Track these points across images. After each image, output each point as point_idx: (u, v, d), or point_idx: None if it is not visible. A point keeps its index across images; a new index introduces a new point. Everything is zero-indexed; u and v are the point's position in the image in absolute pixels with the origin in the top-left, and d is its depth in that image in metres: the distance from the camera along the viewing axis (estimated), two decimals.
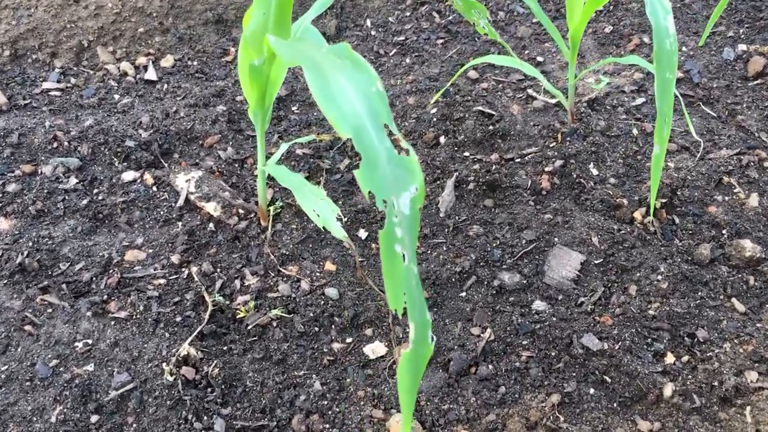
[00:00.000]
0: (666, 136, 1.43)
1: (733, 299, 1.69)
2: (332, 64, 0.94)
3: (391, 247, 0.86)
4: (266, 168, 1.67)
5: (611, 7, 2.60)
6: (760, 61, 2.31)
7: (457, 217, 1.89)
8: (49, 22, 2.38)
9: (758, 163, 1.97)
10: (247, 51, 1.38)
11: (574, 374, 1.56)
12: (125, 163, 2.06)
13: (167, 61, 2.42)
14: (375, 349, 1.65)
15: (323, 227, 1.48)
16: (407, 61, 2.47)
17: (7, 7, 2.36)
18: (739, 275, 1.73)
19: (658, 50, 1.41)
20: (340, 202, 1.96)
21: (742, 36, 2.45)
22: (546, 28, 1.92)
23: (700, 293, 1.70)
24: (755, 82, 2.27)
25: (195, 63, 2.44)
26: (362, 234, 1.87)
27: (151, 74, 2.37)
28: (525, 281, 1.74)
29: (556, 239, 1.82)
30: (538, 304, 1.71)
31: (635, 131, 2.11)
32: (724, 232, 1.82)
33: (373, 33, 2.58)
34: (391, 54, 2.50)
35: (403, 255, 0.88)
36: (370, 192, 0.88)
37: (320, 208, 1.46)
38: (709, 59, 2.36)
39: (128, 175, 2.01)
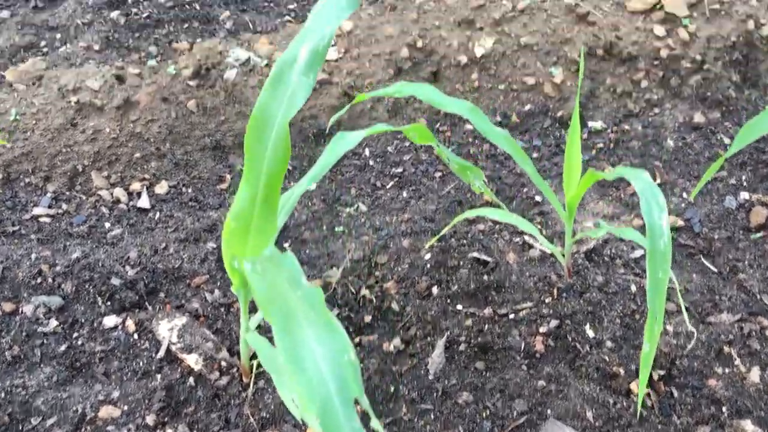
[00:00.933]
0: (657, 335, 1.37)
1: None
2: (304, 319, 0.89)
3: None
4: (248, 337, 1.61)
5: (612, 146, 2.58)
6: (762, 212, 2.27)
7: (446, 381, 1.82)
8: (44, 145, 2.37)
9: (760, 332, 1.91)
10: (229, 243, 1.35)
11: None
12: (109, 303, 2.00)
13: (161, 188, 2.40)
14: None
15: (301, 419, 1.41)
16: (404, 194, 2.44)
17: (3, 130, 2.36)
18: None
19: (652, 250, 1.36)
20: None
21: (745, 183, 2.41)
22: (543, 189, 1.88)
23: None
24: (757, 235, 2.23)
25: (190, 190, 2.41)
26: None
27: (144, 201, 2.35)
28: None
29: (549, 411, 1.74)
30: None
31: (633, 287, 2.05)
32: (724, 409, 1.74)
33: (371, 163, 2.56)
34: (388, 186, 2.48)
35: None
36: None
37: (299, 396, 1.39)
38: (710, 207, 2.32)
39: (110, 320, 1.95)
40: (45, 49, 3.07)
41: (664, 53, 2.74)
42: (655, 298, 1.36)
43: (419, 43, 2.72)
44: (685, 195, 2.39)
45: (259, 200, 1.39)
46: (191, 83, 2.51)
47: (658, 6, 2.80)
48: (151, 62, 2.65)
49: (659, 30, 2.76)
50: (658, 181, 2.45)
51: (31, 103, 2.42)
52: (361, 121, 2.63)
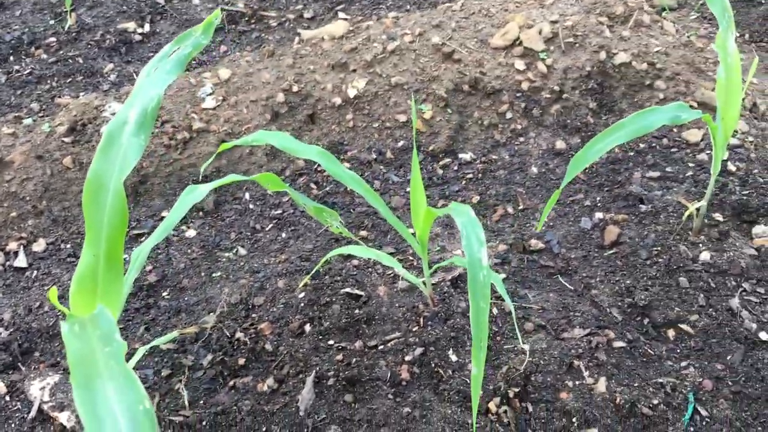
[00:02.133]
0: (482, 359, 1.49)
1: None
2: (107, 373, 0.96)
3: None
4: None
5: (480, 176, 2.74)
6: (614, 231, 2.45)
7: (316, 416, 1.90)
8: None
9: (606, 344, 2.06)
10: (75, 312, 1.40)
11: None
12: None
13: (39, 245, 2.41)
14: None
15: None
16: (283, 235, 2.53)
17: None
18: None
19: (472, 281, 1.49)
20: (201, 402, 1.95)
21: (599, 203, 2.60)
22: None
23: None
24: (610, 252, 2.40)
25: (68, 246, 2.43)
26: None
27: (21, 261, 2.36)
28: None
29: None
30: None
31: (495, 310, 2.19)
32: (574, 420, 1.88)
33: (251, 206, 2.65)
34: (267, 229, 2.56)
35: None
36: None
37: None
38: (567, 229, 2.50)
39: None
40: None
41: (525, 85, 2.93)
42: (477, 326, 1.48)
43: (295, 88, 2.83)
44: (546, 219, 2.55)
45: (102, 262, 1.45)
46: (66, 140, 2.54)
47: (517, 42, 2.99)
48: (27, 120, 2.67)
49: (520, 64, 2.95)
50: (521, 206, 2.61)
51: None
52: (240, 165, 2.71)
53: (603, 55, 3.01)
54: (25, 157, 2.47)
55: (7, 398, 1.93)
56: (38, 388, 1.92)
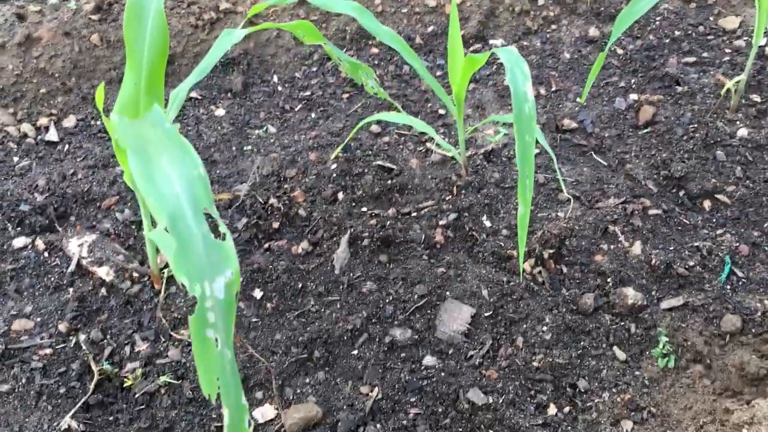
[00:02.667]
0: (529, 197, 1.48)
1: (615, 348, 1.73)
2: (160, 146, 0.95)
3: (203, 332, 0.87)
4: (150, 235, 1.67)
5: None
6: (649, 110, 2.41)
7: (351, 274, 1.91)
8: None
9: (642, 211, 2.04)
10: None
11: (460, 429, 1.58)
12: (18, 228, 2.03)
13: (69, 121, 2.41)
14: (264, 412, 1.64)
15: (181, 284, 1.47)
16: (312, 116, 2.50)
17: None
18: (622, 323, 1.78)
19: (518, 115, 1.46)
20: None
21: (634, 86, 2.55)
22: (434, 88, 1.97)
23: (582, 343, 1.74)
24: (645, 131, 2.37)
25: (98, 122, 2.43)
26: (257, 294, 1.87)
27: (52, 135, 2.36)
28: (417, 337, 1.76)
29: (448, 293, 1.85)
30: (429, 360, 1.72)
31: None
32: (608, 280, 1.88)
33: (279, 89, 2.62)
34: (296, 109, 2.54)
35: (216, 339, 0.89)
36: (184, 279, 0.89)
37: None
38: (601, 109, 2.45)
39: (19, 242, 1.97)
40: None
41: None
42: (524, 161, 1.46)
43: None
44: (578, 100, 2.51)
45: (143, 88, 1.44)
46: (93, 17, 2.51)
47: None
48: (52, 0, 2.63)
49: None
50: (554, 88, 2.57)
51: None
52: (268, 49, 2.67)
53: None
54: (53, 33, 2.45)
55: (46, 254, 1.95)
56: (76, 245, 1.94)
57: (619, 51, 2.76)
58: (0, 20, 2.46)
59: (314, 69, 2.69)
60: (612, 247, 1.97)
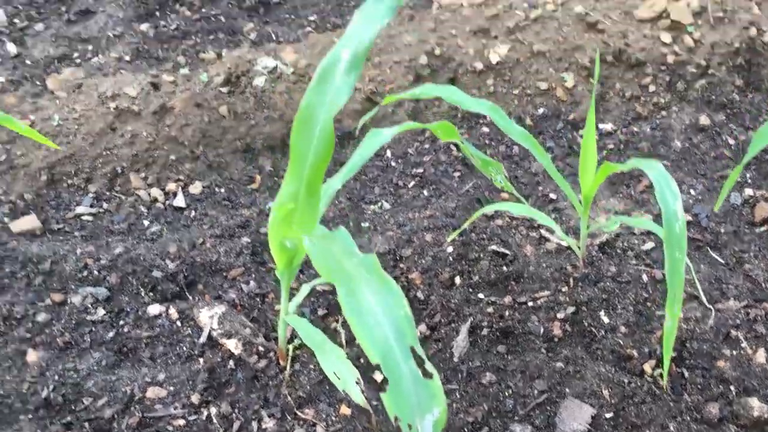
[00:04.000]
0: (677, 312, 1.50)
1: None
2: (362, 281, 1.02)
3: None
4: (288, 319, 1.74)
5: (621, 147, 2.71)
6: (766, 207, 2.39)
7: (470, 363, 1.94)
8: (86, 149, 2.51)
9: (765, 317, 2.02)
10: (277, 228, 1.48)
11: None
12: (152, 294, 2.14)
13: (196, 188, 2.54)
14: None
15: (343, 390, 1.53)
16: (425, 193, 2.57)
17: (47, 134, 2.50)
18: None
19: (668, 233, 1.49)
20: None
21: (749, 181, 2.54)
22: (560, 183, 2.01)
23: None
24: (762, 229, 2.35)
25: (222, 190, 2.55)
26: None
27: (179, 201, 2.48)
28: None
29: (567, 390, 1.86)
30: None
31: (645, 277, 2.17)
32: (732, 388, 1.85)
33: (393, 164, 2.70)
34: (410, 186, 2.61)
35: None
36: (395, 416, 0.94)
37: (341, 370, 1.52)
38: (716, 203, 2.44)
39: (154, 309, 2.08)
40: (78, 60, 3.22)
41: (670, 59, 2.87)
42: (673, 277, 1.49)
43: (437, 51, 2.86)
44: (692, 192, 2.51)
45: (303, 188, 1.52)
46: (222, 90, 2.65)
47: (664, 14, 2.93)
48: (184, 71, 2.79)
49: (666, 37, 2.90)
50: None
51: (72, 109, 2.56)
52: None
53: (753, 31, 2.92)
54: (185, 104, 2.60)
55: (178, 323, 2.05)
56: (207, 316, 2.03)
57: (731, 141, 2.75)
58: (137, 89, 2.62)
59: (426, 146, 2.76)
60: (735, 353, 1.94)
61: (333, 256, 1.11)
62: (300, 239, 1.35)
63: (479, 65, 2.85)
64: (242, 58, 2.76)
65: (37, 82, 2.92)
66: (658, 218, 2.43)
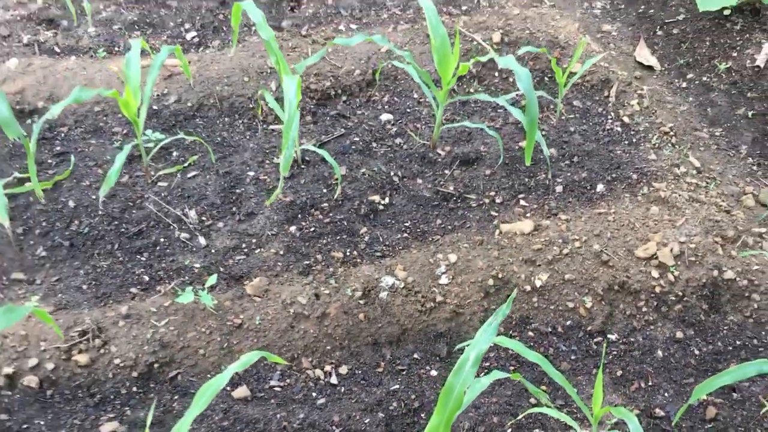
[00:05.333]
0: None
1: None
2: None
3: None
4: None
5: (622, 353, 4.06)
6: (713, 410, 3.72)
7: None
8: (276, 341, 3.92)
9: None
10: None
11: None
12: None
13: (343, 370, 3.92)
14: None
15: None
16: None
17: (252, 330, 3.91)
18: None
19: None
20: None
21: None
22: None
23: None
24: (709, 425, 3.68)
25: (359, 372, 3.93)
26: None
27: (333, 379, 3.87)
28: None
29: None
30: None
31: None
32: None
33: None
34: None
35: None
36: None
37: None
38: (681, 404, 3.79)
39: None
40: (245, 251, 4.66)
41: (657, 289, 4.25)
42: None
43: (499, 275, 4.26)
44: (666, 394, 3.85)
45: (442, 426, 2.88)
46: (361, 302, 4.06)
47: (654, 257, 4.33)
48: (333, 282, 4.22)
49: (655, 273, 4.28)
50: (650, 383, 3.93)
51: (266, 312, 3.98)
52: (464, 327, 4.15)
53: (716, 272, 4.30)
54: (337, 311, 4.00)
55: None
56: None
57: (696, 351, 4.11)
58: (305, 298, 4.04)
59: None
60: None
61: None
62: None
63: (528, 287, 4.24)
64: (371, 276, 4.18)
65: (235, 285, 4.35)
66: (642, 412, 3.75)
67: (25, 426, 3.52)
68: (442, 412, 2.88)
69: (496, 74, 6.02)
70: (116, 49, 6.29)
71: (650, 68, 6.60)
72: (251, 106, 5.68)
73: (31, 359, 3.69)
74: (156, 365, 3.80)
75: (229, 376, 2.83)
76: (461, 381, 2.85)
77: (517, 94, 5.70)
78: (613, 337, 4.18)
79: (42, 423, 3.54)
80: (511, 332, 4.20)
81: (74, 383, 3.69)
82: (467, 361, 2.87)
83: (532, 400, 3.79)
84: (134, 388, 3.73)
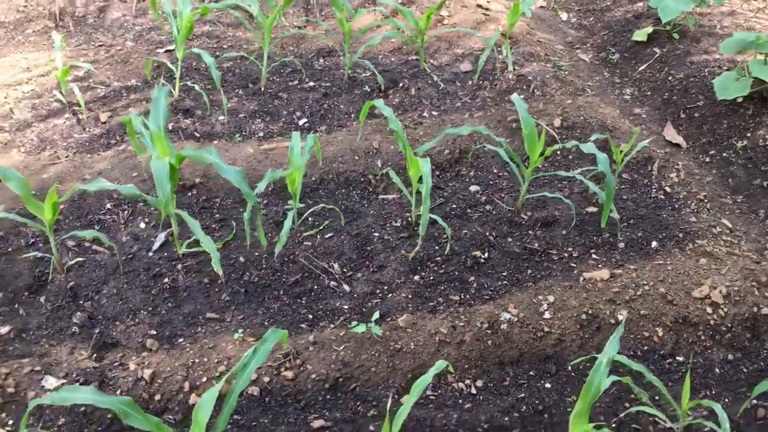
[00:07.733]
0: None
1: None
2: None
3: None
4: None
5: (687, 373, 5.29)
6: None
7: None
8: (427, 361, 5.12)
9: None
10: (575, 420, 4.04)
11: None
12: None
13: (479, 383, 5.11)
14: None
15: None
16: None
17: (400, 350, 5.11)
18: None
19: None
20: None
21: None
22: None
23: None
24: None
25: (491, 385, 5.12)
26: None
27: (473, 390, 5.05)
28: None
29: None
30: None
31: None
32: None
33: None
34: None
35: None
36: None
37: None
38: None
39: None
40: (380, 295, 5.88)
41: (711, 322, 5.50)
42: None
43: (589, 311, 5.50)
44: (726, 400, 5.05)
45: (585, 407, 4.08)
46: (488, 331, 5.29)
47: (707, 297, 5.60)
48: (463, 317, 5.45)
49: (709, 309, 5.54)
50: (713, 392, 5.12)
51: (417, 340, 5.19)
52: (567, 352, 5.36)
53: (755, 308, 5.57)
54: (471, 339, 5.22)
55: None
56: None
57: (744, 369, 5.33)
58: (446, 329, 5.26)
59: None
60: None
61: None
62: None
63: (612, 321, 5.49)
64: (492, 312, 5.42)
65: (381, 321, 5.55)
66: None
67: (254, 423, 4.67)
68: (584, 399, 4.09)
69: (558, 153, 7.39)
70: (244, 133, 7.65)
71: (677, 145, 8.01)
72: (362, 179, 7.00)
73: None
74: (341, 379, 4.98)
75: (432, 375, 4.03)
76: (598, 377, 4.07)
77: (582, 169, 7.06)
78: (680, 358, 5.40)
79: (265, 421, 4.70)
80: None
81: (284, 392, 4.85)
82: (601, 363, 4.10)
83: (627, 404, 4.99)
84: (328, 396, 4.90)
